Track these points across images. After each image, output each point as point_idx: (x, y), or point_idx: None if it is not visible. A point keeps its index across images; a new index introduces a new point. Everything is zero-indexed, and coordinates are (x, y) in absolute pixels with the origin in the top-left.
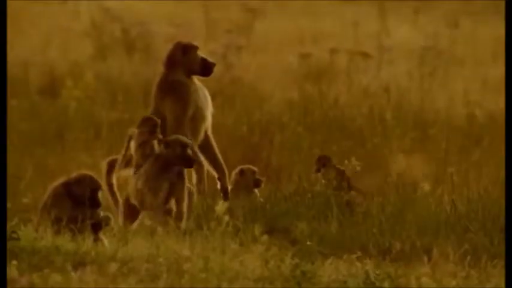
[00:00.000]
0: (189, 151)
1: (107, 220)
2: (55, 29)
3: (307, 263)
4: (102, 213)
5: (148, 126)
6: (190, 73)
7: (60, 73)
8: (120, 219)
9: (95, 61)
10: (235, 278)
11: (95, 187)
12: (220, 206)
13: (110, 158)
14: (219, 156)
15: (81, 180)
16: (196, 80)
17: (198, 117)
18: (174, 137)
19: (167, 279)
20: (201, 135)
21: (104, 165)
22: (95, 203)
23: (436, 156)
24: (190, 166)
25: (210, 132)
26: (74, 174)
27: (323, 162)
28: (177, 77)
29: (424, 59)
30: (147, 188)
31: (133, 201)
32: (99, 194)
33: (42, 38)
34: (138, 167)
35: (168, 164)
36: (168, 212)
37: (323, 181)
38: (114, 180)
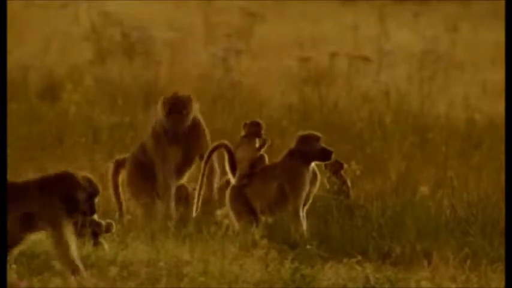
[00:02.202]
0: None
1: (108, 227)
2: (55, 33)
3: (307, 266)
4: (103, 221)
5: (256, 132)
6: None
7: (60, 77)
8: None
9: (94, 65)
10: (235, 282)
11: (93, 192)
12: (221, 210)
13: (119, 157)
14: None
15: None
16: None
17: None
18: (307, 132)
19: (167, 283)
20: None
21: (110, 166)
22: (91, 210)
23: (436, 160)
24: (329, 159)
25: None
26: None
27: (338, 168)
28: None
29: (424, 63)
30: (291, 186)
31: (255, 202)
32: (96, 200)
33: (41, 42)
34: (244, 174)
35: (307, 160)
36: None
37: (327, 185)
38: (120, 181)
